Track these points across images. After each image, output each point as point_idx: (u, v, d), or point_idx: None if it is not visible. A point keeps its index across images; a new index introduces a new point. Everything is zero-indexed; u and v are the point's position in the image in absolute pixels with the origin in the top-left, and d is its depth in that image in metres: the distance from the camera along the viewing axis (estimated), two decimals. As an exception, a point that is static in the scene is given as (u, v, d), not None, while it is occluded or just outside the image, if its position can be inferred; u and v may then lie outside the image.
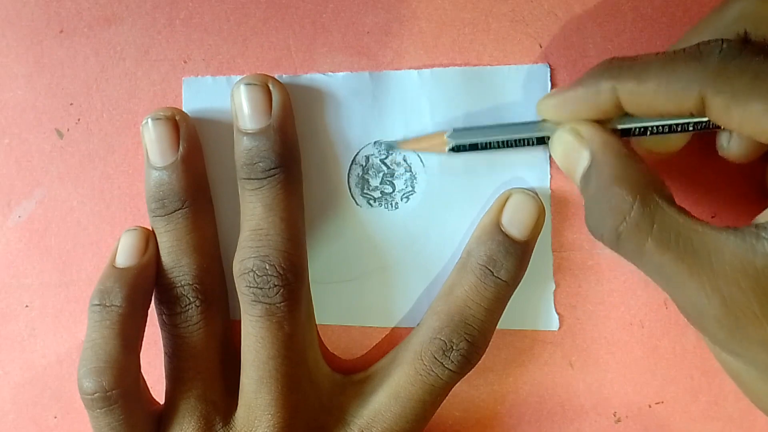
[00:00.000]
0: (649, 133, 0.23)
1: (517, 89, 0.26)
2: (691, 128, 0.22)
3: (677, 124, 0.23)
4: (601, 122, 0.23)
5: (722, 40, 0.20)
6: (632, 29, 0.26)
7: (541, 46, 0.26)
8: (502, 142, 0.25)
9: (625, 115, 0.23)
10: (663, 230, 0.20)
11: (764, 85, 0.19)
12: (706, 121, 0.22)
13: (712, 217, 0.27)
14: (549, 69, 0.26)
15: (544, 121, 0.25)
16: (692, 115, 0.21)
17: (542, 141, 0.25)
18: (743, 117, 0.19)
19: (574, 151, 0.23)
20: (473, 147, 0.25)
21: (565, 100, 0.23)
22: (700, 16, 0.24)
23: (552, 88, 0.26)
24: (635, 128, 0.23)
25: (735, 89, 0.19)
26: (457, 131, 0.25)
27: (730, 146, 0.23)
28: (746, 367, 0.21)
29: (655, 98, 0.21)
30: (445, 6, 0.27)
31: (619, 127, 0.23)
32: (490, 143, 0.25)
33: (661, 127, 0.23)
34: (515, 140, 0.25)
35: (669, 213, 0.20)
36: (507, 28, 0.26)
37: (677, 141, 0.24)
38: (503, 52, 0.27)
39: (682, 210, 0.21)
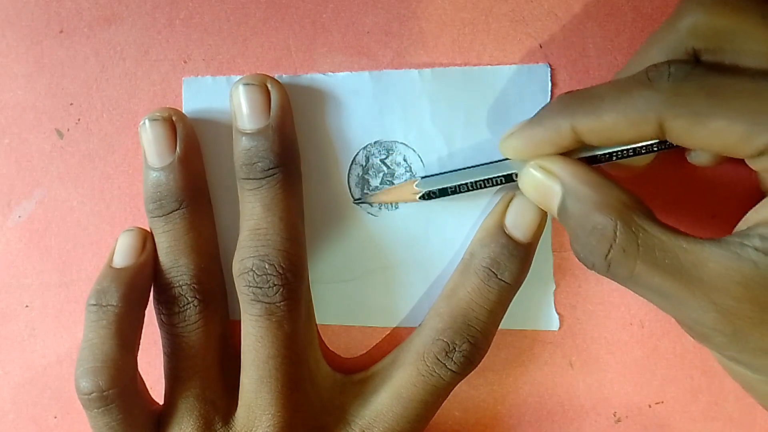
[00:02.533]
0: (615, 158, 0.23)
1: (517, 89, 0.26)
2: (656, 149, 0.22)
3: (641, 147, 0.23)
4: (566, 154, 0.23)
5: (669, 62, 0.20)
6: (632, 29, 0.26)
7: (541, 46, 0.26)
8: (472, 183, 0.25)
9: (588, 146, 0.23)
10: (649, 251, 0.20)
11: (721, 102, 0.19)
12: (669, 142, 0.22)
13: (712, 217, 0.26)
14: (549, 69, 0.26)
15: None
16: (654, 139, 0.21)
17: (511, 178, 0.25)
18: (705, 136, 0.19)
19: (545, 187, 0.23)
20: (443, 192, 0.25)
21: (526, 140, 0.23)
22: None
23: (552, 88, 0.26)
24: (600, 155, 0.23)
25: (692, 110, 0.19)
26: (425, 179, 0.26)
27: (698, 155, 0.24)
28: (756, 376, 0.21)
29: (614, 130, 0.21)
30: (445, 6, 0.27)
31: (585, 155, 0.23)
32: (459, 186, 0.25)
33: (626, 152, 0.23)
34: (484, 181, 0.25)
35: (652, 232, 0.20)
36: (507, 28, 0.26)
37: (646, 158, 0.24)
38: (503, 52, 0.26)
39: (664, 226, 0.20)
